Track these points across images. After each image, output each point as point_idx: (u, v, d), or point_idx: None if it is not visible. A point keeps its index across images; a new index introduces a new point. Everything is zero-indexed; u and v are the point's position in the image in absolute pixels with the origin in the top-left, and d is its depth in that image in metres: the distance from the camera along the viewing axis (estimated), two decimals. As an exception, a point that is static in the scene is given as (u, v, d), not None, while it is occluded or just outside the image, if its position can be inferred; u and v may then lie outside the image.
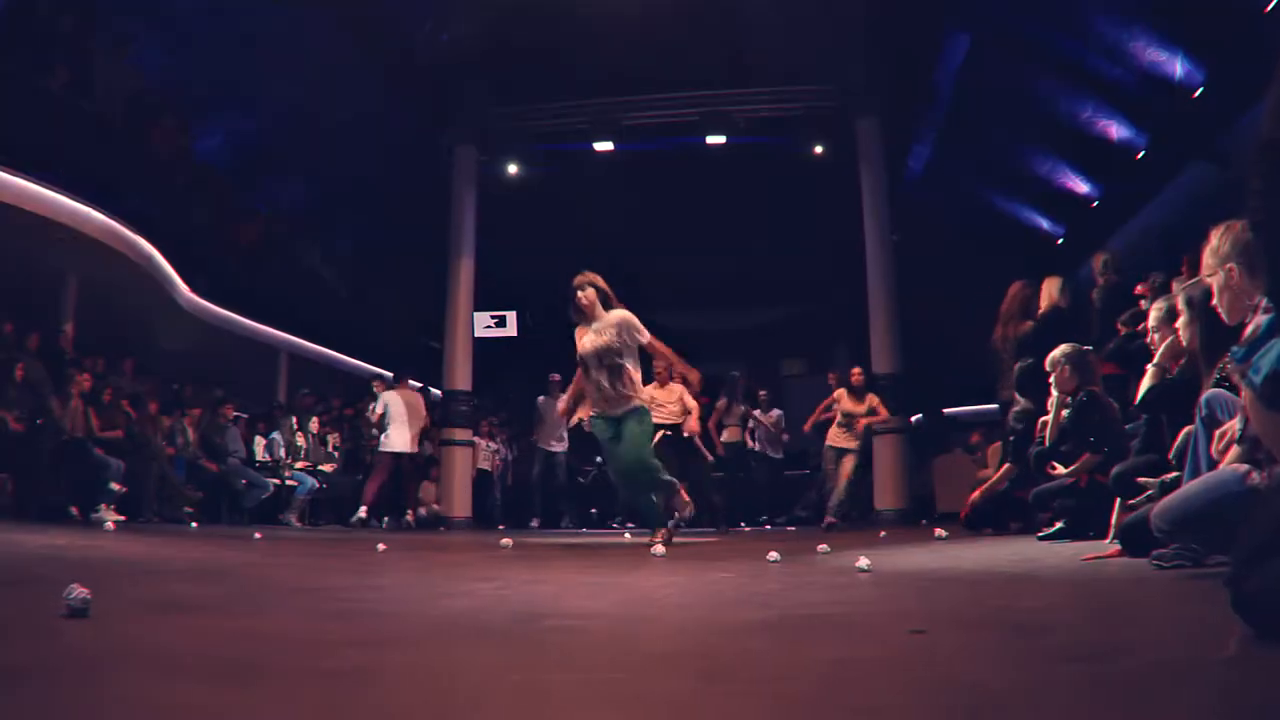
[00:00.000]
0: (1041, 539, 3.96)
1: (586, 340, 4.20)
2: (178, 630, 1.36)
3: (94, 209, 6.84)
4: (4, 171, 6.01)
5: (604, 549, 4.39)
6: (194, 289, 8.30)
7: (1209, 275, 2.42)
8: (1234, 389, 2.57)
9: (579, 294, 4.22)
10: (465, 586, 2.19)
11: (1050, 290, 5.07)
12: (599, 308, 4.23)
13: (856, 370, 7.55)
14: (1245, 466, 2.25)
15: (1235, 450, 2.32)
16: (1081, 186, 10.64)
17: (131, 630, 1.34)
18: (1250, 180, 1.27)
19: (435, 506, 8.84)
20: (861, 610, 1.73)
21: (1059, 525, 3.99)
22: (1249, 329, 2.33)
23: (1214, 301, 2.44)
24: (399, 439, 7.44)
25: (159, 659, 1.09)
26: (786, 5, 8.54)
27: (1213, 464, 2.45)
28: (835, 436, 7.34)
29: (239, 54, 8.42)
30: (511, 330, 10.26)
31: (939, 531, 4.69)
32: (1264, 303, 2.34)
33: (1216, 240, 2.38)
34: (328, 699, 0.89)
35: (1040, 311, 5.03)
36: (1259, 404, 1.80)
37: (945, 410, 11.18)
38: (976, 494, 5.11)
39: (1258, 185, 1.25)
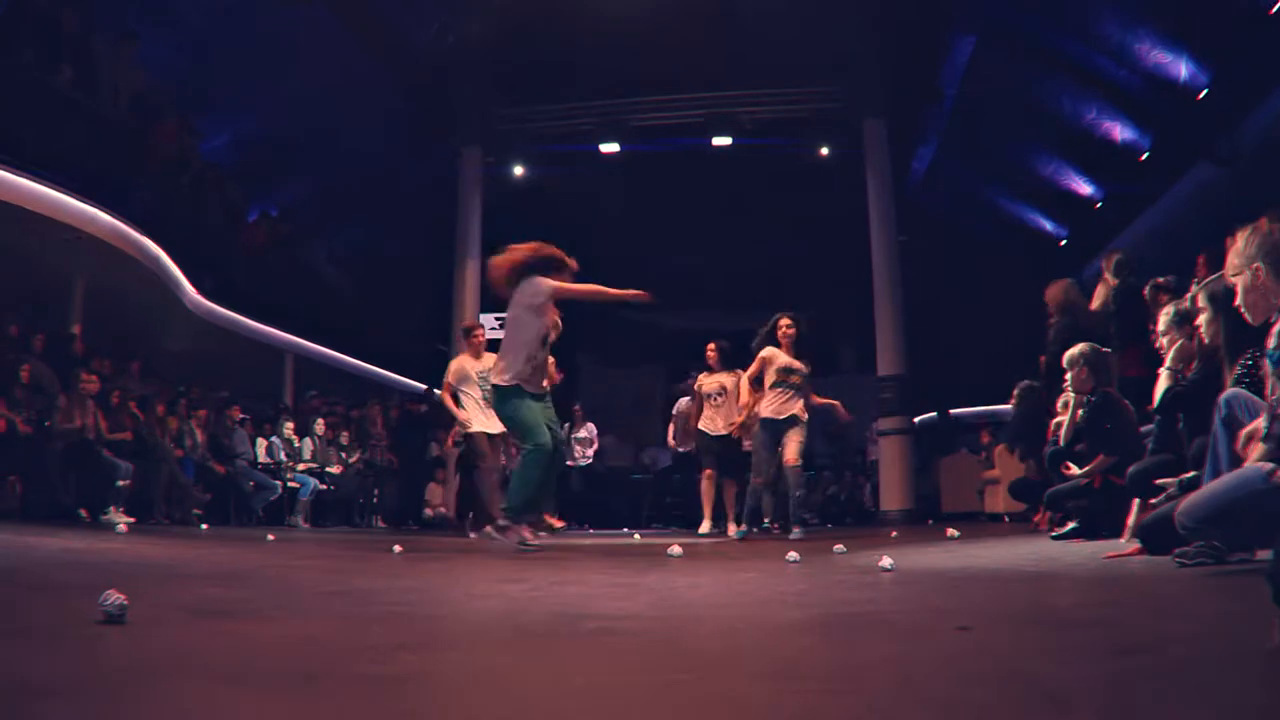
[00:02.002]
0: (1056, 538, 3.96)
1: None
2: (221, 636, 1.34)
3: (100, 209, 6.81)
4: (8, 171, 5.99)
5: (617, 550, 4.39)
6: (200, 290, 8.27)
7: (1234, 275, 2.42)
8: (1255, 388, 2.57)
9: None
10: (495, 588, 2.18)
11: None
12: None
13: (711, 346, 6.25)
14: (1270, 464, 2.24)
15: (1260, 448, 2.32)
16: (1085, 188, 10.66)
17: (174, 637, 1.32)
18: None
19: (442, 509, 8.83)
20: (899, 608, 1.73)
21: (1072, 525, 4.00)
22: (1275, 328, 2.33)
23: (1237, 301, 2.45)
24: None
25: (211, 667, 1.06)
26: (792, 7, 8.54)
27: (1233, 462, 2.45)
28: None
29: (245, 54, 8.40)
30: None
31: (950, 531, 4.69)
32: (1291, 303, 2.34)
33: (1242, 241, 2.38)
34: (398, 706, 0.87)
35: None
36: (1295, 403, 1.79)
37: (952, 411, 11.20)
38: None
39: None
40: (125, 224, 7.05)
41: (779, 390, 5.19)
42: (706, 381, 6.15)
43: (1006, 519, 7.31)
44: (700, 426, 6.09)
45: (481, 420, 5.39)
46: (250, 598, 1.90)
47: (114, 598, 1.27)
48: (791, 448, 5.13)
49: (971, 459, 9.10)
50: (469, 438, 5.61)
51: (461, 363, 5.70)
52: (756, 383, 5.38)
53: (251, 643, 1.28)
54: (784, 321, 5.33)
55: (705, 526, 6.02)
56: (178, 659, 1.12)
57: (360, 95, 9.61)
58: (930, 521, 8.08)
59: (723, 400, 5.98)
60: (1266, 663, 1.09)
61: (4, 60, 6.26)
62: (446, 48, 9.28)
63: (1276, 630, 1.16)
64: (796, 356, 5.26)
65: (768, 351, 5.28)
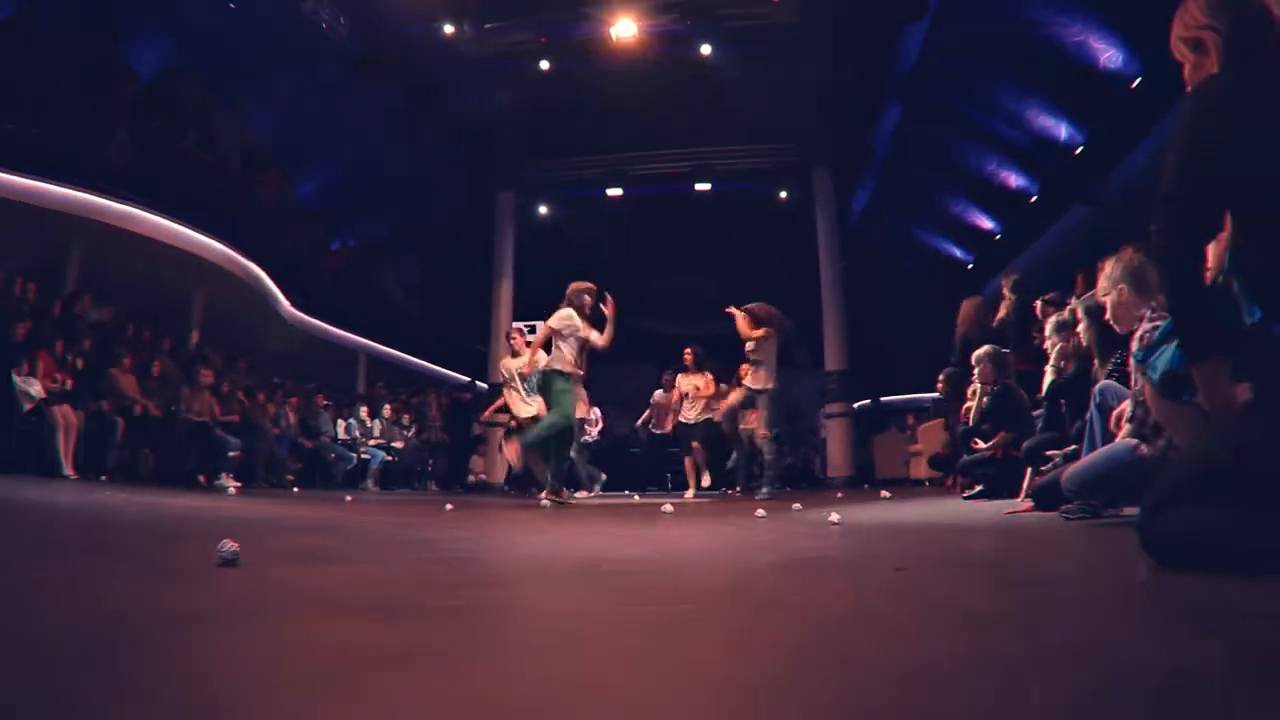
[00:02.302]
0: (966, 498, 3.96)
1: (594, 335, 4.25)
2: (318, 577, 1.31)
3: (215, 240, 6.79)
4: (146, 211, 5.97)
5: (621, 508, 4.35)
6: (293, 304, 8.24)
7: (1104, 295, 2.43)
8: (1124, 381, 2.58)
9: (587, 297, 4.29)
10: (528, 538, 2.15)
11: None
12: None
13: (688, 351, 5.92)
14: (1135, 441, 2.26)
15: (1126, 428, 2.33)
16: (986, 223, 10.68)
17: (279, 576, 1.29)
18: (1151, 224, 1.28)
19: (482, 475, 8.81)
20: (849, 553, 1.72)
21: (979, 488, 4.00)
22: (1136, 334, 2.34)
23: (1107, 315, 2.46)
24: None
25: (313, 601, 1.04)
26: (759, 78, 8.55)
27: (1106, 439, 2.46)
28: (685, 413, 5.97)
29: (329, 118, 8.38)
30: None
31: (884, 493, 4.67)
32: (1149, 313, 2.35)
33: (1110, 267, 2.39)
34: (462, 630, 0.86)
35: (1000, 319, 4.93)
36: (1157, 395, 1.80)
37: (883, 398, 11.20)
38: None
39: (1158, 227, 1.26)
40: (235, 251, 7.03)
41: (748, 365, 5.08)
42: (684, 382, 5.96)
43: (927, 484, 7.30)
44: (680, 418, 5.92)
45: (526, 409, 5.38)
46: (338, 545, 1.88)
47: (229, 545, 1.25)
48: (758, 421, 4.96)
49: (899, 436, 9.09)
50: (520, 423, 5.51)
51: (506, 362, 5.67)
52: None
53: (343, 581, 1.26)
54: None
55: (690, 494, 5.81)
56: (285, 594, 1.10)
57: (418, 150, 9.59)
58: (866, 485, 8.06)
59: (696, 396, 5.85)
60: (1134, 591, 1.11)
61: (145, 127, 6.25)
62: (486, 113, 9.26)
63: (1143, 568, 1.18)
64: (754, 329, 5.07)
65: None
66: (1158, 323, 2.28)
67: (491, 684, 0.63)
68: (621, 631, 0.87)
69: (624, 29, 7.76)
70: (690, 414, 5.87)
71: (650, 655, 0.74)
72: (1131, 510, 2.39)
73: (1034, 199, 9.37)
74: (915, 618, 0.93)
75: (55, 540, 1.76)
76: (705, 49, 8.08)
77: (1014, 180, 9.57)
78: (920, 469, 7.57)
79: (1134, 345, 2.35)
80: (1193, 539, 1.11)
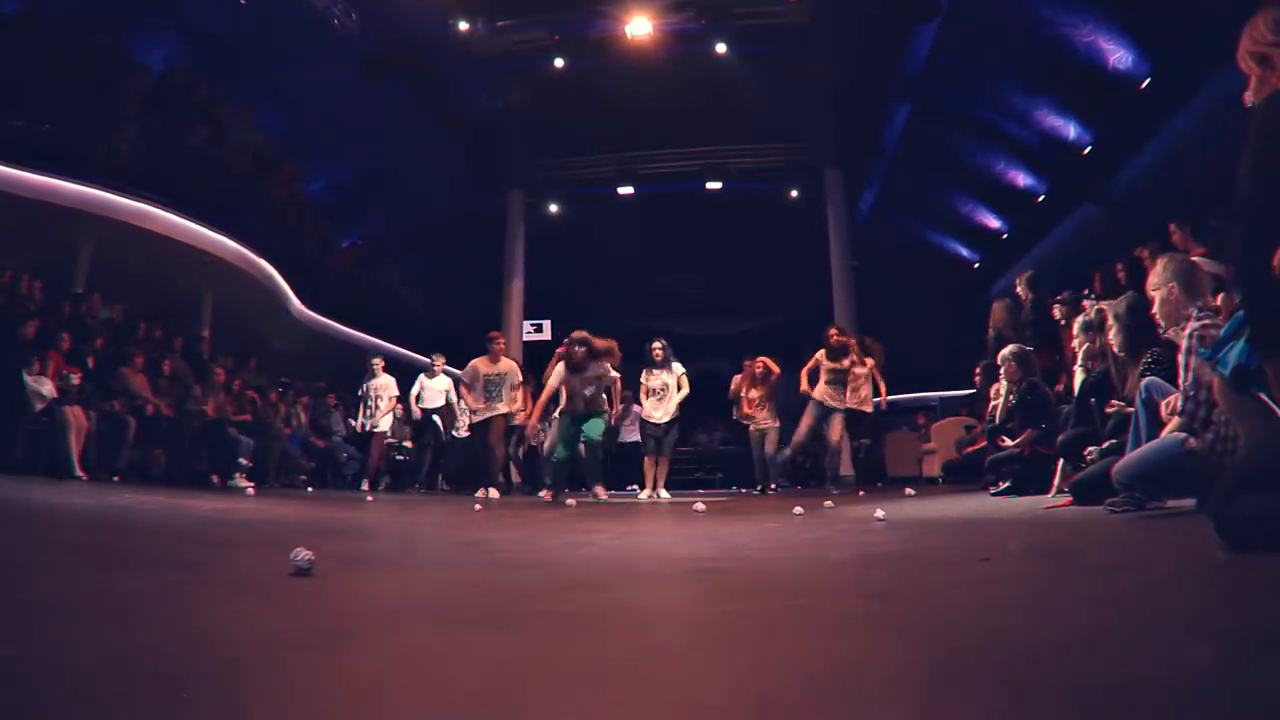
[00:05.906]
0: (994, 495, 3.94)
1: (576, 382, 4.55)
2: (397, 585, 1.22)
3: (226, 238, 6.71)
4: (160, 209, 5.89)
5: (648, 507, 4.28)
6: (303, 302, 8.16)
7: (1154, 289, 2.43)
8: (1165, 376, 2.57)
9: (577, 349, 4.47)
10: (583, 538, 2.09)
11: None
12: (589, 360, 4.51)
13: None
14: (1183, 434, 2.25)
15: (1175, 421, 2.32)
16: (993, 222, 10.68)
17: (358, 586, 1.19)
18: (1232, 228, 1.31)
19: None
20: (918, 547, 1.68)
21: (1005, 485, 3.98)
22: (1185, 332, 2.33)
23: (1153, 309, 2.46)
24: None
25: (417, 613, 0.96)
26: (770, 78, 8.54)
27: (1151, 433, 2.45)
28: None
29: (339, 117, 8.30)
30: (547, 335, 10.21)
31: (908, 490, 4.66)
32: (1195, 313, 2.35)
33: (1160, 266, 2.41)
34: (607, 636, 0.80)
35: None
36: (1226, 389, 1.79)
37: (890, 397, 11.18)
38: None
39: (1240, 231, 1.29)
40: (246, 249, 6.95)
41: (828, 385, 5.58)
42: (650, 379, 5.56)
43: (940, 481, 7.28)
44: (645, 417, 5.53)
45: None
46: (393, 550, 1.81)
47: (303, 554, 1.16)
48: (836, 429, 5.62)
49: (911, 435, 9.08)
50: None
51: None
52: (812, 375, 5.67)
53: (427, 589, 1.19)
54: (831, 331, 5.69)
55: (644, 494, 5.51)
56: (377, 606, 1.02)
57: (428, 149, 9.52)
58: (880, 484, 8.01)
59: (665, 394, 5.49)
60: (1219, 570, 1.11)
61: (154, 124, 6.17)
62: (496, 111, 9.21)
63: (1218, 551, 1.19)
64: (839, 356, 5.54)
65: (820, 354, 5.64)
66: (1205, 320, 2.28)
67: (684, 687, 0.59)
68: (768, 628, 0.83)
69: (638, 27, 7.71)
70: (656, 412, 5.48)
71: (825, 649, 0.71)
72: (1176, 503, 2.39)
73: (1041, 199, 9.38)
74: (1035, 601, 0.92)
75: (100, 549, 1.64)
76: (720, 48, 8.05)
77: (1022, 180, 9.57)
78: (934, 467, 7.56)
79: (1182, 343, 2.35)
80: (1265, 523, 1.14)
